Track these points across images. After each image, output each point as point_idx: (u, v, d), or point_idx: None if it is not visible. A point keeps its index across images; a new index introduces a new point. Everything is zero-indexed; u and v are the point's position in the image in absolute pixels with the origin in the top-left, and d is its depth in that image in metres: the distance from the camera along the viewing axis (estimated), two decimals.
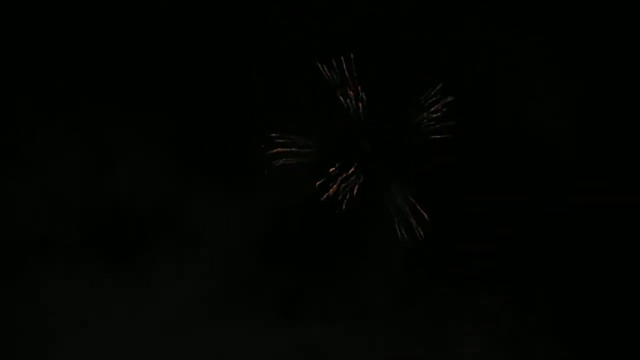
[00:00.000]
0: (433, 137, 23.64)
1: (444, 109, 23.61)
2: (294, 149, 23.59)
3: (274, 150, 23.49)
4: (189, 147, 24.12)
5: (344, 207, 23.39)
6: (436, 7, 24.28)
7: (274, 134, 23.49)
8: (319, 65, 23.39)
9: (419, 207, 23.59)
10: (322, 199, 23.41)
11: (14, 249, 23.60)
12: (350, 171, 23.54)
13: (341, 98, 23.54)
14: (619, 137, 23.79)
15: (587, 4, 24.00)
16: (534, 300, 23.81)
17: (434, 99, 23.63)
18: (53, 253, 23.66)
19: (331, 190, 23.49)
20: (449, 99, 23.58)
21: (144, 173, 24.10)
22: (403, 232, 23.60)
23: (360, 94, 23.46)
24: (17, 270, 23.50)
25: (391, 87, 23.78)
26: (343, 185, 23.50)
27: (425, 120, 23.68)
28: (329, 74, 23.48)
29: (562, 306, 23.73)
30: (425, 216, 23.52)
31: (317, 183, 23.48)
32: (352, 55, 23.19)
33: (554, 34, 24.03)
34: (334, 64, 23.33)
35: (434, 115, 23.64)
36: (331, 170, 23.51)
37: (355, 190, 23.50)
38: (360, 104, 23.52)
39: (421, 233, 23.48)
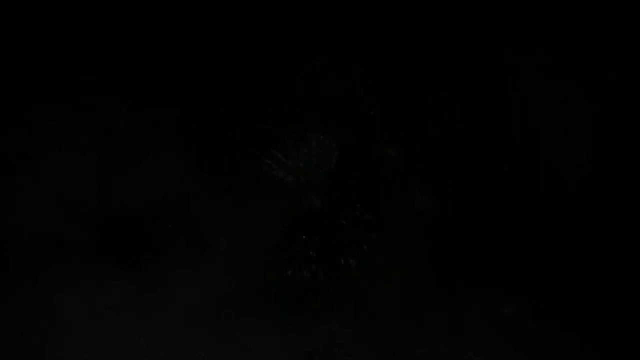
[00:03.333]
0: (448, 140, 23.73)
1: (457, 114, 23.73)
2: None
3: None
4: (202, 149, 24.05)
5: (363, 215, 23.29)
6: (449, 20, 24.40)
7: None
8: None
9: (436, 211, 23.59)
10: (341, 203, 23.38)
11: (23, 252, 23.41)
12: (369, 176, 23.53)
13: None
14: (634, 146, 23.82)
15: (598, 17, 24.12)
16: (557, 306, 23.61)
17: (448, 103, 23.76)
18: (64, 255, 23.50)
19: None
20: (462, 103, 23.70)
21: (156, 176, 24.04)
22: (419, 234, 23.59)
23: (373, 103, 23.55)
24: (26, 273, 23.27)
25: (403, 93, 23.89)
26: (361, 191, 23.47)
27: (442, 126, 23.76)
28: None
29: (586, 313, 23.49)
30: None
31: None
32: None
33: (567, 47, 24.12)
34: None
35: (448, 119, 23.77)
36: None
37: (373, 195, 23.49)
38: (373, 112, 23.58)
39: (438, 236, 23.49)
